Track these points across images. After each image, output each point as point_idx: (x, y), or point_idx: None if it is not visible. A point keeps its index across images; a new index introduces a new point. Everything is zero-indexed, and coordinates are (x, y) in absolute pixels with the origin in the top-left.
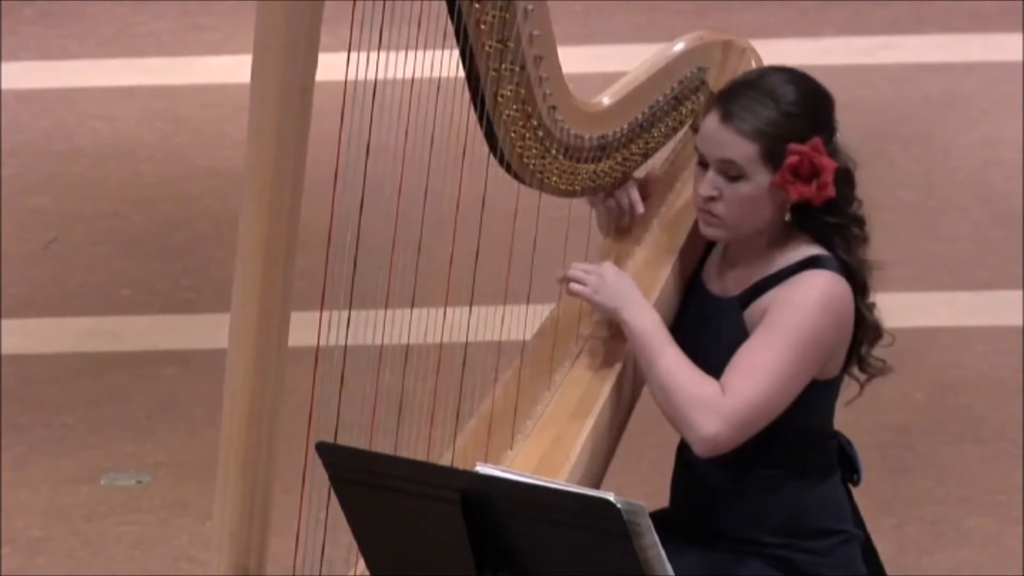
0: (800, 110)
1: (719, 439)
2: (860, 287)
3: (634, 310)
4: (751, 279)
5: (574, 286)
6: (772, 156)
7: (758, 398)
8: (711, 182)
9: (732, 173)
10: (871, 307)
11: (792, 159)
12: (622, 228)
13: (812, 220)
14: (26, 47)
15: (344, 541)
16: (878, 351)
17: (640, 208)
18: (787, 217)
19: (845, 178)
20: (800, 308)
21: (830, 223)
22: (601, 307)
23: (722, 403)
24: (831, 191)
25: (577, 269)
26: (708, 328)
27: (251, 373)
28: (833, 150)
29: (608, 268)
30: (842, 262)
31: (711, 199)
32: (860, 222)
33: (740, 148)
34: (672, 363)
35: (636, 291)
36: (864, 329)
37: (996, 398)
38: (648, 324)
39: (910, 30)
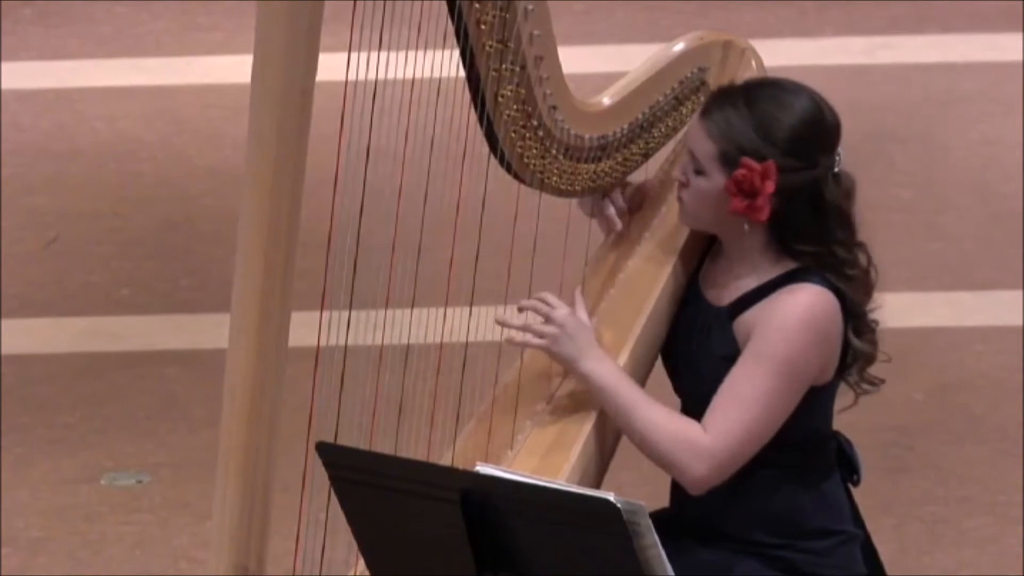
0: (779, 134)
1: (707, 479)
2: (849, 313)
3: (593, 363)
4: (741, 288)
5: (531, 339)
6: (729, 162)
7: (742, 433)
8: (682, 167)
9: (695, 166)
10: (865, 331)
11: (739, 172)
12: (619, 233)
13: (783, 243)
14: (26, 47)
15: (344, 541)
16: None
17: (624, 207)
18: (745, 226)
19: (836, 216)
20: (782, 333)
21: (799, 250)
22: (559, 358)
23: (705, 443)
24: (763, 215)
25: (532, 322)
26: (700, 334)
27: (251, 373)
28: (811, 183)
29: (567, 317)
30: (838, 291)
31: (681, 184)
32: (852, 263)
33: (702, 144)
34: (647, 411)
35: (593, 339)
36: (849, 355)
37: (996, 398)
38: (611, 375)
39: (910, 30)
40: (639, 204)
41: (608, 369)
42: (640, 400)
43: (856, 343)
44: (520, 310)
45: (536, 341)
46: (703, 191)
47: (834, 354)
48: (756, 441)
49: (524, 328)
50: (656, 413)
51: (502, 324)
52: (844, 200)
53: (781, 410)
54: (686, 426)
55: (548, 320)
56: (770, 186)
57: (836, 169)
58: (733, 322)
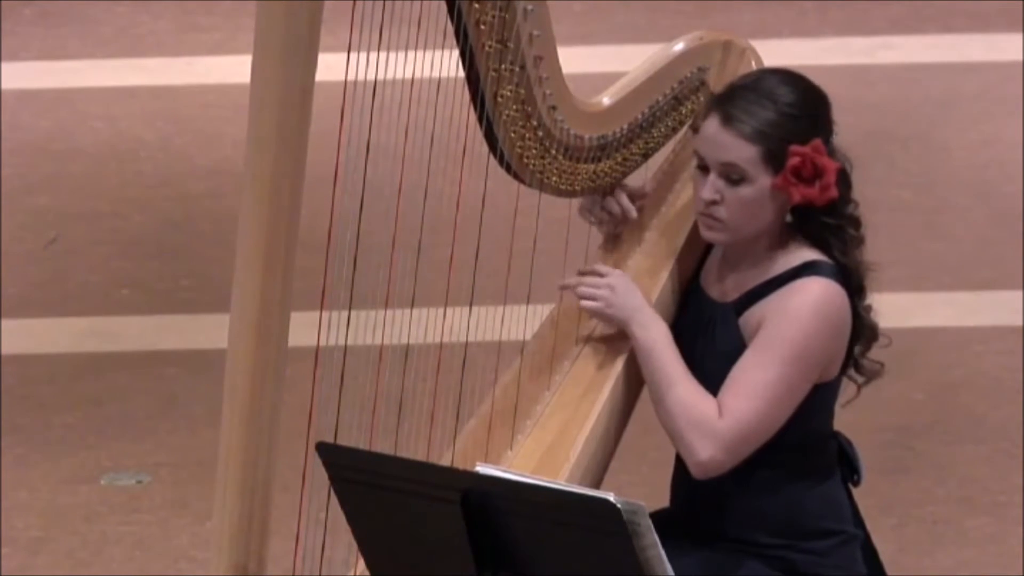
0: (799, 111)
1: (713, 464)
2: (857, 289)
3: (644, 322)
4: (747, 284)
5: (585, 303)
6: (773, 158)
7: (753, 420)
8: (712, 186)
9: (734, 176)
10: (868, 309)
11: (794, 160)
12: (618, 234)
13: (810, 221)
14: (26, 47)
15: (344, 541)
16: (875, 352)
17: (633, 214)
18: (787, 218)
19: (842, 179)
20: (795, 321)
21: (828, 224)
22: (612, 321)
23: (718, 427)
24: (834, 192)
25: (586, 286)
26: (704, 332)
27: (251, 373)
28: (831, 151)
29: (618, 279)
30: (839, 266)
31: (713, 203)
32: (856, 223)
33: (741, 151)
34: (677, 384)
35: (644, 301)
36: (860, 330)
37: (996, 398)
38: (657, 339)
39: (910, 30)
40: (640, 207)
41: (655, 333)
42: (676, 374)
43: (865, 317)
44: (572, 285)
45: (590, 304)
46: (749, 199)
47: (841, 347)
48: (766, 428)
49: (578, 292)
50: (685, 390)
51: (564, 287)
52: (847, 161)
53: (792, 398)
54: (706, 408)
55: (598, 285)
56: (831, 162)
57: (834, 133)
58: (740, 317)
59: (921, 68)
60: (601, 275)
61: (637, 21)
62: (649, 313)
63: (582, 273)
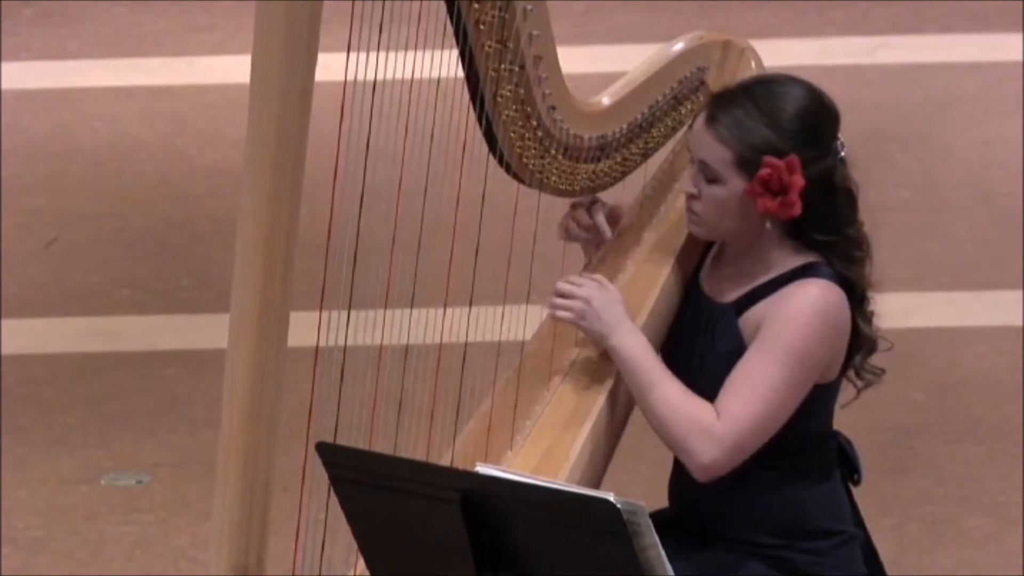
0: (788, 124)
1: (716, 466)
2: (857, 299)
3: (621, 336)
4: (746, 285)
5: (559, 313)
6: (747, 165)
7: (753, 421)
8: (693, 179)
9: (708, 175)
10: (869, 318)
11: (763, 172)
12: (615, 236)
13: (802, 234)
14: (26, 47)
15: (344, 541)
16: (876, 354)
17: (608, 234)
18: (768, 225)
19: (847, 200)
20: (794, 323)
21: (819, 240)
22: (587, 333)
23: (717, 430)
24: (796, 210)
25: (562, 285)
26: (704, 332)
27: (251, 373)
28: (826, 171)
29: (594, 290)
30: (839, 276)
31: (692, 196)
32: (858, 244)
33: (715, 152)
34: (665, 391)
35: (623, 313)
36: (859, 342)
37: (996, 398)
38: (637, 351)
39: (910, 30)
40: (615, 221)
41: (635, 344)
42: (661, 380)
43: (864, 329)
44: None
45: (564, 315)
46: (720, 199)
47: (841, 349)
48: (765, 430)
49: (554, 305)
50: (674, 395)
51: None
52: (852, 183)
53: (791, 401)
54: (701, 411)
55: (573, 296)
56: (799, 180)
57: (842, 153)
58: (740, 317)
59: (921, 68)
60: (575, 284)
61: (637, 21)
62: (628, 325)
63: (558, 292)
